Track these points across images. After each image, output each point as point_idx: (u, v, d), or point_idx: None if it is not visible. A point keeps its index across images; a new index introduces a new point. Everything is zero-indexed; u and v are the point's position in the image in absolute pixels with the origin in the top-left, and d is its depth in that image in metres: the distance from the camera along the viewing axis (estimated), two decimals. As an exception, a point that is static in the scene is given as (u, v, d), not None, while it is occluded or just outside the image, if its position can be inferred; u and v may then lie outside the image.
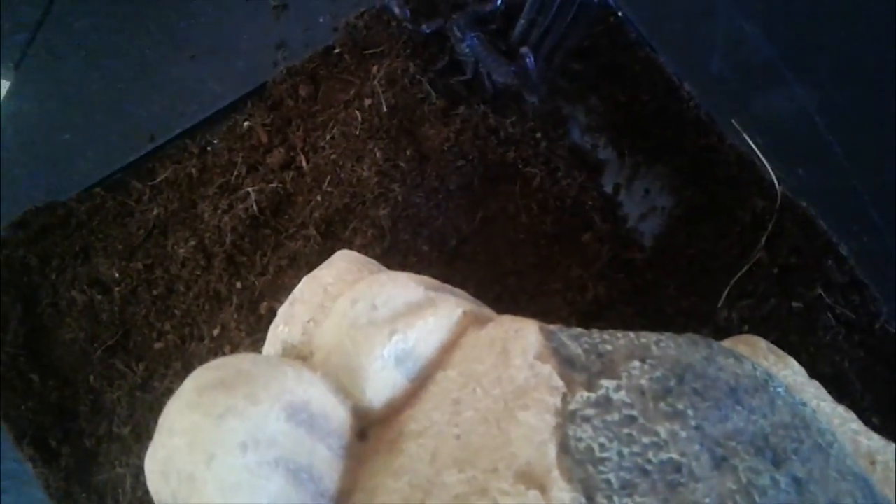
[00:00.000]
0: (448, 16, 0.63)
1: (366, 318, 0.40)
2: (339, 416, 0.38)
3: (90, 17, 0.78)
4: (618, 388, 0.36)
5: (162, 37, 0.75)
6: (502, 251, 0.58)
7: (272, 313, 0.58)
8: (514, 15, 0.60)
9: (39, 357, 0.59)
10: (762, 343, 0.47)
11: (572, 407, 0.36)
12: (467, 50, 0.61)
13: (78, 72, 0.75)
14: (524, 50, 0.56)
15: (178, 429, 0.34)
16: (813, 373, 0.44)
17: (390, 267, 0.47)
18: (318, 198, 0.62)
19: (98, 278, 0.62)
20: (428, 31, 0.64)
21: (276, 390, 0.35)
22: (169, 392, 0.56)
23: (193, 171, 0.65)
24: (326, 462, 0.37)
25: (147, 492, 0.54)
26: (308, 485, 0.36)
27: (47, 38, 0.78)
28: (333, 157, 0.63)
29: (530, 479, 0.34)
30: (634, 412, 0.35)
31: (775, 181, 0.55)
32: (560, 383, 0.37)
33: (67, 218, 0.64)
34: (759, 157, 0.56)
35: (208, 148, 0.66)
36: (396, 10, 0.63)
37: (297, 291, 0.47)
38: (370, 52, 0.66)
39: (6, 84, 0.77)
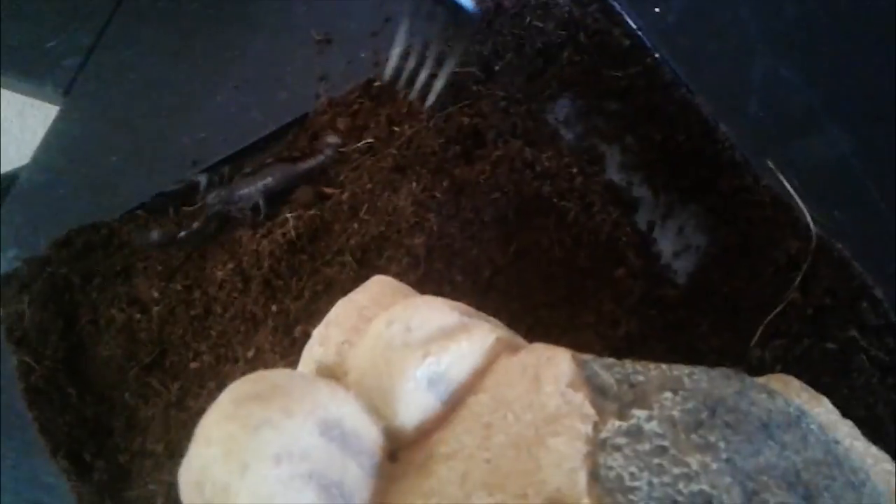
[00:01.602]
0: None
1: (400, 340, 0.40)
2: (370, 435, 0.39)
3: (139, 46, 0.81)
4: (649, 419, 0.36)
5: (208, 66, 0.77)
6: (535, 284, 0.58)
7: (306, 337, 0.58)
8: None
9: (77, 373, 0.61)
10: (795, 382, 0.47)
11: (603, 435, 0.37)
12: None
13: (125, 98, 0.77)
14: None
15: (214, 439, 0.35)
16: (846, 414, 0.44)
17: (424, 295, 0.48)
18: (355, 226, 0.63)
19: (137, 297, 0.63)
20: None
21: (310, 405, 0.36)
22: (203, 411, 0.57)
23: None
24: (357, 480, 0.38)
25: (178, 509, 0.55)
26: (338, 500, 0.36)
27: (97, 65, 0.81)
28: (370, 186, 0.64)
29: (560, 505, 0.35)
30: (665, 443, 0.35)
31: (810, 222, 0.55)
32: (591, 411, 0.38)
33: (110, 238, 0.65)
34: (794, 198, 0.56)
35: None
36: None
37: (332, 314, 0.48)
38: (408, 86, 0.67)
39: (56, 108, 0.79)
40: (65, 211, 0.68)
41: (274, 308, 0.61)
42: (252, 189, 0.65)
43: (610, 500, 0.34)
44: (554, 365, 0.40)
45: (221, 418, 0.36)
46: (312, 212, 0.63)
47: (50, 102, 0.82)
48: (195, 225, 0.64)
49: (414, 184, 0.62)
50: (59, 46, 0.82)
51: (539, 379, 0.40)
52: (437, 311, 0.42)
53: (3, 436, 0.60)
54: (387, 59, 0.65)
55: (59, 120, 0.78)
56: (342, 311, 0.47)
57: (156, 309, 0.62)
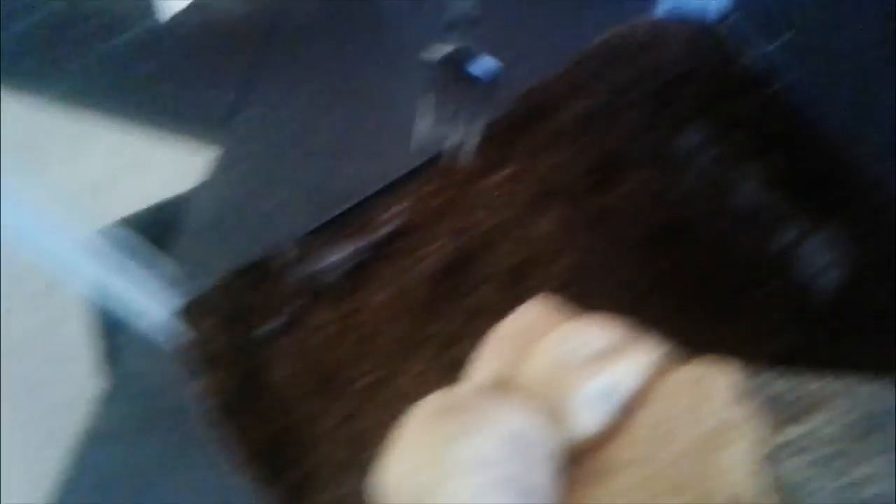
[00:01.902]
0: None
1: (572, 357, 0.45)
2: (550, 445, 0.43)
3: (288, 94, 0.87)
4: (824, 425, 0.39)
5: (352, 111, 0.83)
6: (679, 305, 0.61)
7: (462, 357, 0.63)
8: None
9: (258, 390, 0.66)
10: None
11: (779, 441, 0.40)
12: None
13: (275, 143, 0.84)
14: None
15: (414, 449, 0.40)
16: None
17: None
18: (501, 252, 0.67)
19: (306, 323, 0.69)
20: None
21: (498, 418, 0.41)
22: (371, 427, 0.63)
23: (383, 229, 0.72)
24: (542, 486, 0.42)
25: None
26: None
27: (250, 112, 0.88)
28: (512, 215, 0.68)
29: (741, 508, 0.38)
30: (842, 447, 0.38)
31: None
32: (766, 419, 0.41)
33: (280, 270, 0.71)
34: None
35: (396, 209, 0.73)
36: None
37: (495, 334, 0.52)
38: (543, 119, 0.72)
39: (215, 151, 0.87)
40: (234, 241, 0.74)
41: (430, 330, 0.66)
42: (335, 261, 0.70)
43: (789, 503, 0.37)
44: (724, 375, 0.44)
45: (419, 431, 0.40)
46: (461, 239, 0.68)
47: (208, 143, 0.89)
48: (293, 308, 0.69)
49: (555, 211, 0.66)
50: (215, 91, 0.89)
51: (710, 389, 0.43)
52: (604, 329, 0.46)
53: (194, 451, 0.67)
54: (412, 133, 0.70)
55: (215, 164, 0.85)
56: (506, 332, 0.52)
57: (323, 333, 0.68)
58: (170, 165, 0.91)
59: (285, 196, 0.78)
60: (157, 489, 0.66)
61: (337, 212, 0.74)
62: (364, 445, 0.62)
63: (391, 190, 0.73)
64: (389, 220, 0.72)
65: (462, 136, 0.71)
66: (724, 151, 0.68)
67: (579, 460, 0.44)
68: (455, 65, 0.66)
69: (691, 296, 0.62)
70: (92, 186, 0.94)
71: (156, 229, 0.81)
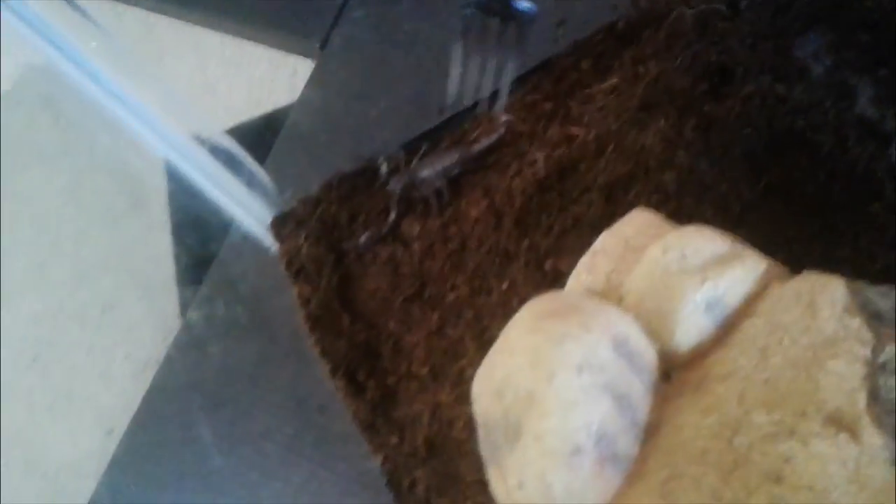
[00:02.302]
0: None
1: (677, 266, 0.43)
2: (650, 354, 0.41)
3: (390, 4, 0.86)
4: (930, 342, 0.37)
5: (453, 18, 0.81)
6: (786, 219, 0.59)
7: (556, 271, 0.62)
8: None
9: (348, 302, 0.67)
10: None
11: (882, 359, 0.37)
12: None
13: (376, 52, 0.82)
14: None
15: (519, 350, 0.39)
16: None
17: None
18: (602, 164, 0.65)
19: (399, 234, 0.68)
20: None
21: (603, 322, 0.39)
22: (461, 340, 0.62)
23: (482, 141, 0.70)
24: (640, 395, 0.40)
25: (442, 426, 0.60)
26: (627, 411, 0.39)
27: (350, 22, 0.86)
28: (615, 126, 0.66)
29: (840, 423, 0.36)
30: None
31: None
32: (869, 336, 0.38)
33: (372, 181, 0.71)
34: None
35: (495, 119, 0.71)
36: None
37: (597, 244, 0.50)
38: (653, 26, 0.69)
39: (313, 63, 0.86)
40: (329, 154, 0.74)
41: (525, 243, 0.64)
42: (433, 173, 0.69)
43: (889, 419, 0.35)
44: (829, 291, 0.41)
45: (525, 332, 0.39)
46: (560, 151, 0.66)
47: (306, 56, 0.89)
48: (391, 219, 0.68)
49: (662, 122, 0.64)
50: (313, 7, 0.88)
51: (815, 304, 0.41)
52: (710, 240, 0.44)
53: (283, 360, 0.68)
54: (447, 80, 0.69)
55: (315, 74, 0.84)
56: (608, 241, 0.50)
57: (416, 245, 0.67)
58: (271, 75, 0.91)
59: (384, 107, 0.77)
60: (242, 398, 0.67)
61: (436, 123, 0.73)
62: (453, 358, 0.62)
63: (492, 101, 0.71)
64: (489, 131, 0.71)
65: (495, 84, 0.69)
66: (843, 60, 0.64)
67: (676, 373, 0.42)
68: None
69: (801, 210, 0.58)
70: (193, 94, 0.95)
71: (254, 139, 0.82)
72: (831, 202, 0.58)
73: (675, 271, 0.42)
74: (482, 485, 0.55)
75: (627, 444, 0.39)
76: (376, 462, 0.59)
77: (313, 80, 0.84)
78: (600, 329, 0.38)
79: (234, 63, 0.95)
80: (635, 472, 0.40)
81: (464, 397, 0.59)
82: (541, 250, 0.64)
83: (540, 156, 0.66)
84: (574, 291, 0.49)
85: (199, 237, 0.81)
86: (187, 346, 0.72)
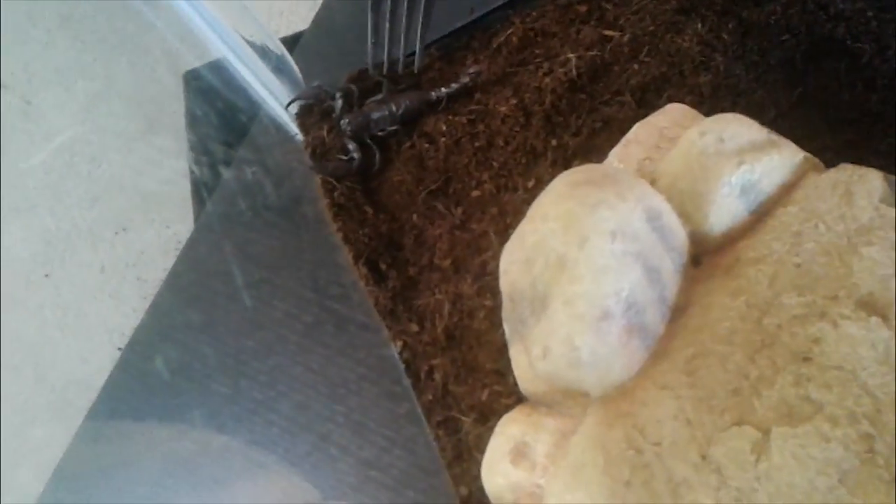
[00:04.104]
0: None
1: (714, 149, 0.42)
2: (681, 234, 0.41)
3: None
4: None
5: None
6: (820, 127, 0.58)
7: (583, 172, 0.62)
8: None
9: (372, 193, 0.66)
10: None
11: (918, 246, 0.37)
12: None
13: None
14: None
15: (552, 215, 0.39)
16: None
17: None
18: (635, 66, 0.64)
19: (425, 130, 0.68)
20: None
21: (638, 193, 0.39)
22: (485, 234, 0.62)
23: (514, 39, 0.69)
24: (670, 272, 0.40)
25: (462, 317, 0.61)
26: (656, 285, 0.39)
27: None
28: (651, 28, 0.65)
29: (872, 307, 0.36)
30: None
31: None
32: (905, 226, 0.38)
33: (395, 77, 0.70)
34: None
35: (528, 19, 0.70)
36: None
37: (630, 134, 0.50)
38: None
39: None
40: (358, 48, 0.73)
41: (553, 142, 0.64)
42: (385, 114, 0.68)
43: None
44: (866, 181, 0.41)
45: (558, 198, 0.39)
46: (593, 52, 0.65)
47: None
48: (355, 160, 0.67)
49: (699, 25, 0.63)
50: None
51: (851, 193, 0.41)
52: (747, 127, 0.44)
53: (306, 248, 0.68)
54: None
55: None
56: (642, 131, 0.49)
57: (442, 140, 0.67)
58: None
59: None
60: (263, 285, 0.68)
61: (465, 21, 0.72)
62: (476, 252, 0.62)
63: (518, 2, 0.71)
64: (521, 29, 0.70)
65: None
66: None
67: (706, 258, 0.42)
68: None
69: (836, 119, 0.58)
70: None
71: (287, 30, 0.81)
72: (868, 111, 0.58)
73: (711, 153, 0.42)
74: (500, 374, 0.56)
75: (655, 319, 0.39)
76: (395, 349, 0.60)
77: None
78: (635, 198, 0.38)
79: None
80: (660, 350, 0.40)
81: (485, 289, 0.60)
82: (569, 150, 0.63)
83: (572, 56, 0.65)
84: (609, 165, 0.49)
85: (229, 125, 0.80)
86: (208, 231, 0.72)
